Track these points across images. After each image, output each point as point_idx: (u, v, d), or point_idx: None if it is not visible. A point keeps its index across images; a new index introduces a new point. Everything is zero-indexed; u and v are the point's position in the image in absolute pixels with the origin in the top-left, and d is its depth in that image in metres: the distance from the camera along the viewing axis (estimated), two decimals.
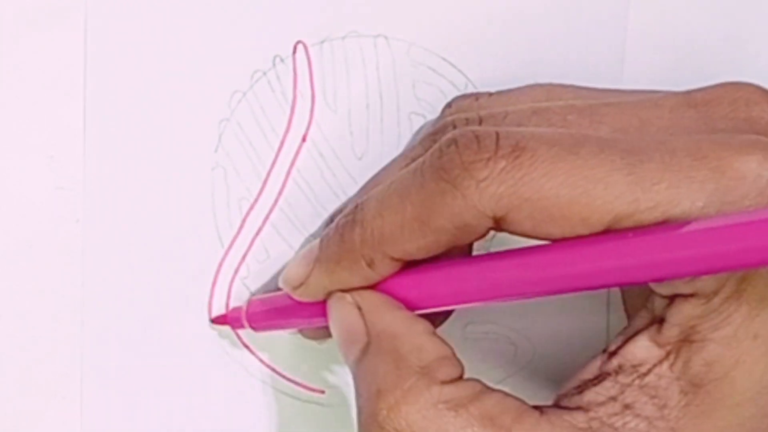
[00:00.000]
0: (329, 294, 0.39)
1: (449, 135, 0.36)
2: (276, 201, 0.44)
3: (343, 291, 0.39)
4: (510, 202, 0.34)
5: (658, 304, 0.36)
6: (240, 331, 0.44)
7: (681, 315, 0.35)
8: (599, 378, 0.36)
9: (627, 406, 0.35)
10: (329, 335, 0.40)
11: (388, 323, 0.37)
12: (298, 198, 0.44)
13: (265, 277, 0.44)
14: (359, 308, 0.38)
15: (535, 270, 0.35)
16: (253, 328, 0.43)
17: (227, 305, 0.44)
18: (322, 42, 0.43)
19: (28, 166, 0.42)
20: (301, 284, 0.40)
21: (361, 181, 0.44)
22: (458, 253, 0.39)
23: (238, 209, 0.44)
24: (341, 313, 0.38)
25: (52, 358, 0.43)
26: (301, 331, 0.43)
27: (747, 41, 0.46)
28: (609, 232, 0.34)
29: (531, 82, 0.44)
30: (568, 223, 0.34)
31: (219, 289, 0.44)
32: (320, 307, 0.40)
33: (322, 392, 0.45)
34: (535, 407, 0.36)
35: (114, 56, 0.42)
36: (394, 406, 0.35)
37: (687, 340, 0.35)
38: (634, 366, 0.35)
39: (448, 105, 0.42)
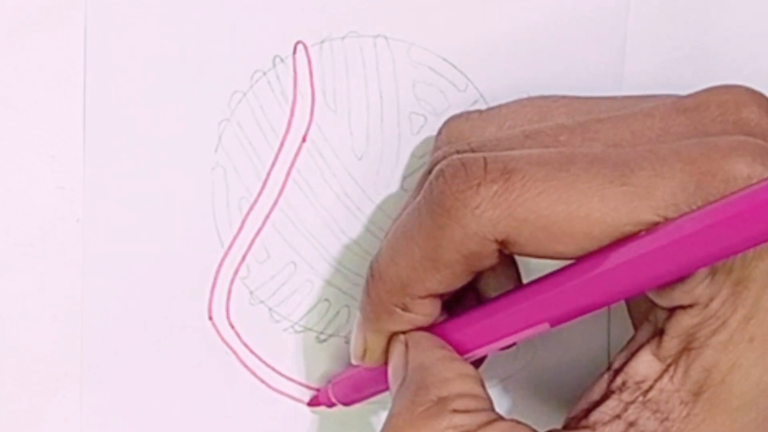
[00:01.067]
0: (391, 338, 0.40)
1: (438, 167, 0.36)
2: (276, 201, 0.44)
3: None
4: (508, 224, 0.34)
5: (659, 316, 0.36)
6: (238, 329, 0.44)
7: (680, 326, 0.35)
8: (604, 397, 0.36)
9: (631, 424, 0.35)
10: None
11: (424, 358, 0.38)
12: (298, 198, 0.44)
13: (266, 277, 0.44)
14: (406, 346, 0.38)
15: (560, 295, 0.35)
16: (346, 404, 0.43)
17: (227, 305, 0.44)
18: (322, 42, 0.43)
19: (29, 165, 0.43)
20: (364, 352, 0.40)
21: (362, 182, 0.44)
22: (505, 273, 0.40)
23: (238, 209, 0.44)
24: (392, 353, 0.39)
25: (52, 358, 0.43)
26: None
27: (747, 42, 0.46)
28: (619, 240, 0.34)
29: (531, 81, 0.44)
30: (572, 240, 0.34)
31: (219, 289, 0.44)
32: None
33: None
34: None
35: (114, 56, 0.43)
36: (401, 429, 0.35)
37: (686, 349, 0.35)
38: (637, 383, 0.36)
39: (439, 132, 0.41)
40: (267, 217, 0.44)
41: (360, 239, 0.44)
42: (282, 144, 0.44)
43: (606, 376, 0.37)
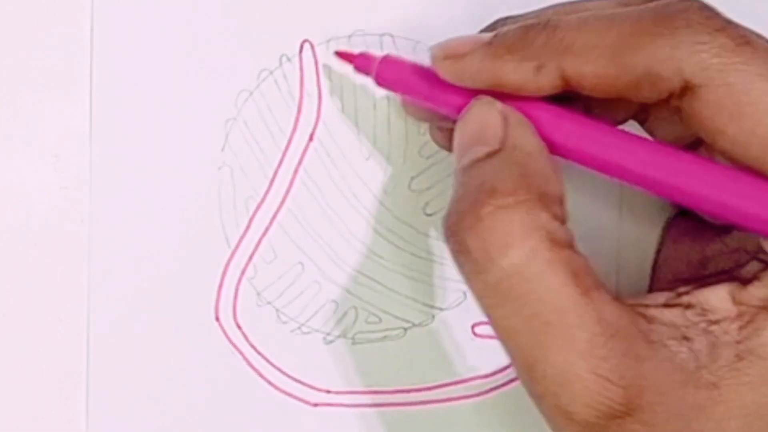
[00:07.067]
0: (478, 96, 0.37)
1: None
2: (283, 200, 0.44)
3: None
4: (712, 76, 0.33)
5: (751, 267, 0.35)
6: (245, 330, 0.44)
7: None
8: (668, 305, 0.35)
9: (686, 339, 0.34)
10: (428, 120, 0.41)
11: (528, 143, 0.36)
12: (305, 198, 0.44)
13: (273, 278, 0.44)
14: (505, 118, 0.36)
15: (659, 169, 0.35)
16: (377, 81, 0.40)
17: (234, 305, 0.44)
18: (329, 41, 0.43)
19: (33, 165, 0.43)
20: (455, 57, 0.37)
21: (369, 181, 0.44)
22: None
23: (245, 209, 0.44)
24: (484, 113, 0.37)
25: (57, 359, 0.43)
26: (404, 104, 0.42)
27: None
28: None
29: None
30: (748, 125, 0.33)
31: (226, 289, 0.44)
32: (454, 96, 0.38)
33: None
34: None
35: (120, 55, 0.43)
36: (503, 207, 0.34)
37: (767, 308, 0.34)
38: (704, 310, 0.34)
39: None
40: (274, 216, 0.44)
41: (367, 240, 0.44)
42: (289, 143, 0.44)
43: (665, 294, 0.36)
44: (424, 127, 0.44)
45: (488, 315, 0.35)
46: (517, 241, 0.34)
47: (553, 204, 0.35)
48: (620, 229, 0.44)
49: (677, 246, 0.42)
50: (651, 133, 0.39)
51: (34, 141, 0.42)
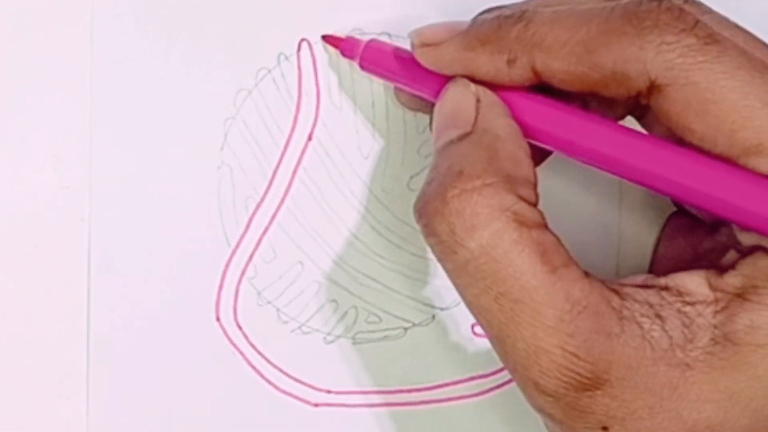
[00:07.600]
0: (454, 78, 0.38)
1: None
2: (282, 200, 0.44)
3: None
4: (677, 75, 0.33)
5: (729, 257, 0.36)
6: (246, 330, 0.44)
7: (753, 268, 0.34)
8: (645, 285, 0.35)
9: (659, 317, 0.34)
10: (420, 108, 0.41)
11: (499, 125, 0.36)
12: (304, 197, 0.44)
13: (273, 278, 0.44)
14: (478, 100, 0.37)
15: (642, 159, 0.35)
16: (361, 65, 0.41)
17: (234, 306, 0.44)
18: None
19: (34, 165, 0.43)
20: (432, 45, 0.38)
21: (368, 180, 0.44)
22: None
23: (245, 208, 0.44)
24: (458, 96, 0.37)
25: (57, 358, 0.43)
26: (396, 92, 0.42)
27: None
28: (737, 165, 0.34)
29: None
30: (714, 122, 0.33)
31: (226, 288, 0.44)
32: (432, 81, 0.38)
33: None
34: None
35: (120, 55, 0.43)
36: (469, 191, 0.34)
37: (742, 296, 0.34)
38: (680, 292, 0.35)
39: None
40: (274, 216, 0.44)
41: (367, 239, 0.44)
42: (288, 142, 0.44)
43: (642, 276, 0.36)
44: (423, 125, 0.44)
45: (460, 293, 0.35)
46: (483, 223, 0.34)
47: (521, 186, 0.35)
48: (620, 226, 0.44)
49: (672, 242, 0.42)
50: (648, 130, 0.39)
51: (34, 141, 0.43)
